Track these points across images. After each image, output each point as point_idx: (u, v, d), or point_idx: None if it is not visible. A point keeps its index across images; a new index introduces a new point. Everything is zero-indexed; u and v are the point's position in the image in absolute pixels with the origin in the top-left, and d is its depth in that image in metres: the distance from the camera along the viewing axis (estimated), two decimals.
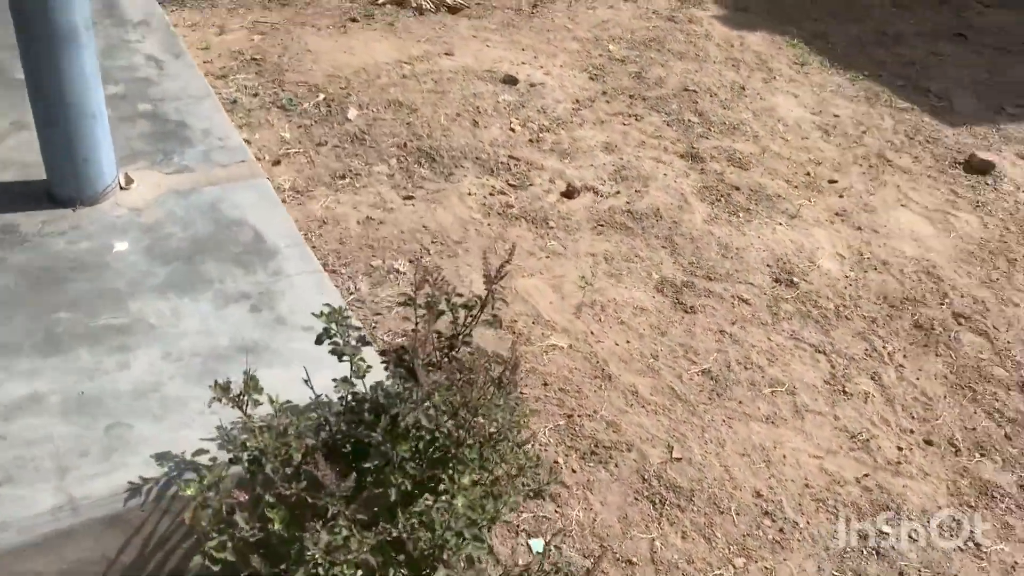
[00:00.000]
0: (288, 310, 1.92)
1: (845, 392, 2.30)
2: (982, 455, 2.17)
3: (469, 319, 1.58)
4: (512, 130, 3.35)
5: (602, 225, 2.88)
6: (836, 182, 3.26)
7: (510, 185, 3.04)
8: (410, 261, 2.62)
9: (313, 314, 1.57)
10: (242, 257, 2.05)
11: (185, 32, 3.65)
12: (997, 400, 2.33)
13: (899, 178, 3.33)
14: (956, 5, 5.09)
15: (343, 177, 2.95)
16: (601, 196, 3.04)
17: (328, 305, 1.55)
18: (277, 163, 2.98)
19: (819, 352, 2.43)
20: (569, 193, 3.04)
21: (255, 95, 3.30)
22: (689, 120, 3.58)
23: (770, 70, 4.06)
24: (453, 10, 4.23)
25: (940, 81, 4.13)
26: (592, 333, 2.41)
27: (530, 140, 3.31)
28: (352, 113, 3.27)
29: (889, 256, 2.86)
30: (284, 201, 2.71)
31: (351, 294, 2.47)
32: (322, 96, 3.34)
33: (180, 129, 2.48)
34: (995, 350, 2.49)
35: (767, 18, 4.61)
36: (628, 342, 2.40)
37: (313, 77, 3.46)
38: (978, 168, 3.40)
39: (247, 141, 2.92)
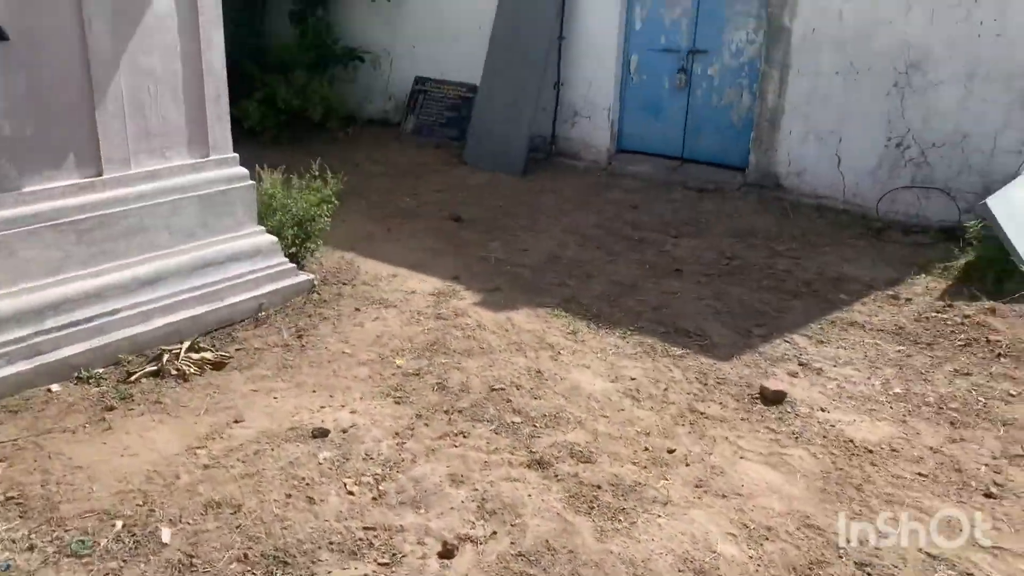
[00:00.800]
0: None
1: None
2: None
3: None
4: (351, 493, 3.03)
5: None
6: (674, 451, 3.35)
7: (382, 565, 2.69)
8: None
9: None
10: None
11: None
12: None
13: (721, 429, 3.51)
14: (651, 243, 5.79)
15: None
16: (480, 543, 2.80)
17: None
18: None
19: None
20: (447, 552, 2.76)
21: (31, 548, 2.64)
22: (512, 422, 3.52)
23: (551, 346, 4.20)
24: (218, 366, 3.86)
25: (690, 318, 4.56)
26: None
27: (374, 499, 3.01)
28: (166, 535, 2.74)
29: (767, 519, 2.94)
30: None
31: None
32: (120, 523, 2.77)
33: None
34: None
35: (520, 293, 4.84)
36: None
37: (98, 500, 2.87)
38: (773, 399, 3.72)
39: None
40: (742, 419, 3.60)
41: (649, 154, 7.60)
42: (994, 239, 5.06)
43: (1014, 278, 4.87)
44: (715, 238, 5.89)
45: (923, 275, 5.22)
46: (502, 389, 3.76)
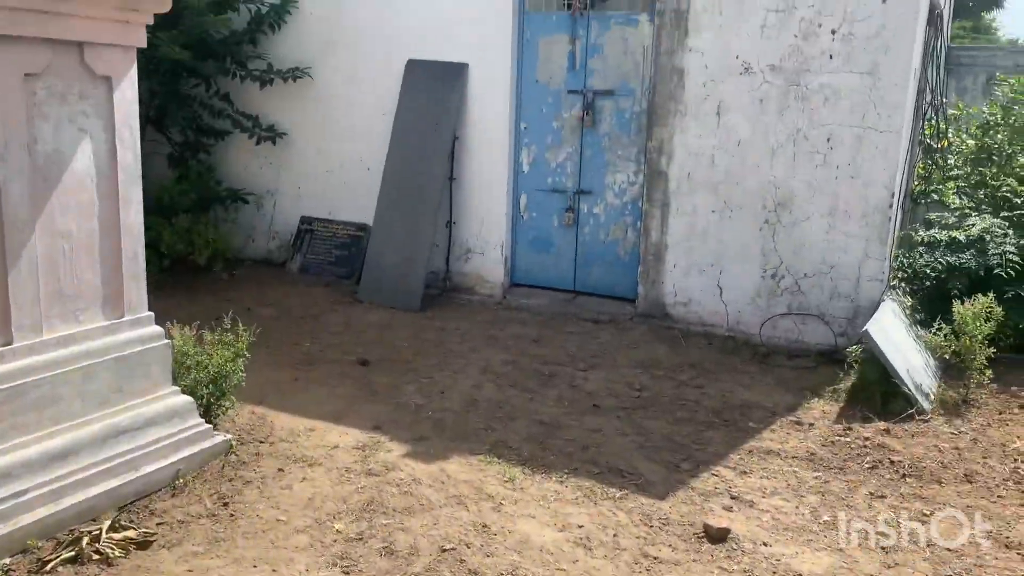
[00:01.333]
0: None
1: None
2: None
3: None
4: None
5: None
6: None
7: None
8: None
9: None
10: None
11: None
12: None
13: (677, 573, 3.56)
14: (562, 377, 5.90)
15: None
16: None
17: None
18: None
19: None
20: None
21: None
22: None
23: (491, 497, 4.15)
24: (143, 545, 3.56)
25: (619, 456, 4.65)
26: None
27: None
28: None
29: None
30: None
31: None
32: None
33: None
34: None
35: (448, 441, 4.78)
36: None
37: None
38: (718, 537, 3.82)
39: None
40: (694, 560, 3.66)
41: (542, 288, 7.84)
42: (874, 362, 5.52)
43: (898, 398, 5.31)
44: (620, 369, 6.08)
45: (816, 399, 5.59)
46: (452, 549, 3.66)
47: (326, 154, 8.51)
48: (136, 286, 4.09)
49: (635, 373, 6.02)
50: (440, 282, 7.97)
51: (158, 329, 4.23)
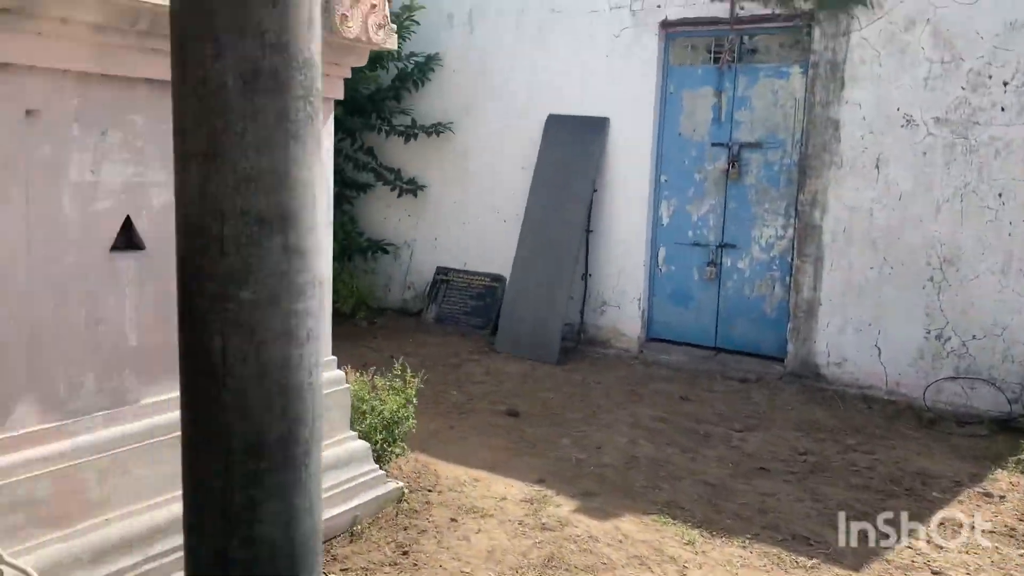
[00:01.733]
0: None
1: None
2: None
3: None
4: None
5: None
6: None
7: None
8: None
9: None
10: None
11: None
12: None
13: None
14: (718, 437, 5.70)
15: None
16: None
17: None
18: None
19: None
20: None
21: None
22: None
23: (673, 559, 3.98)
24: None
25: (799, 523, 4.41)
26: None
27: None
28: None
29: None
30: None
31: None
32: None
33: None
34: None
35: (615, 498, 4.64)
36: None
37: None
38: None
39: None
40: None
41: (680, 343, 7.67)
42: None
43: None
44: (778, 431, 5.83)
45: (999, 469, 5.21)
46: None
47: (463, 206, 8.63)
48: (324, 327, 4.15)
49: (796, 436, 5.76)
50: (575, 335, 7.90)
51: (340, 373, 4.28)
